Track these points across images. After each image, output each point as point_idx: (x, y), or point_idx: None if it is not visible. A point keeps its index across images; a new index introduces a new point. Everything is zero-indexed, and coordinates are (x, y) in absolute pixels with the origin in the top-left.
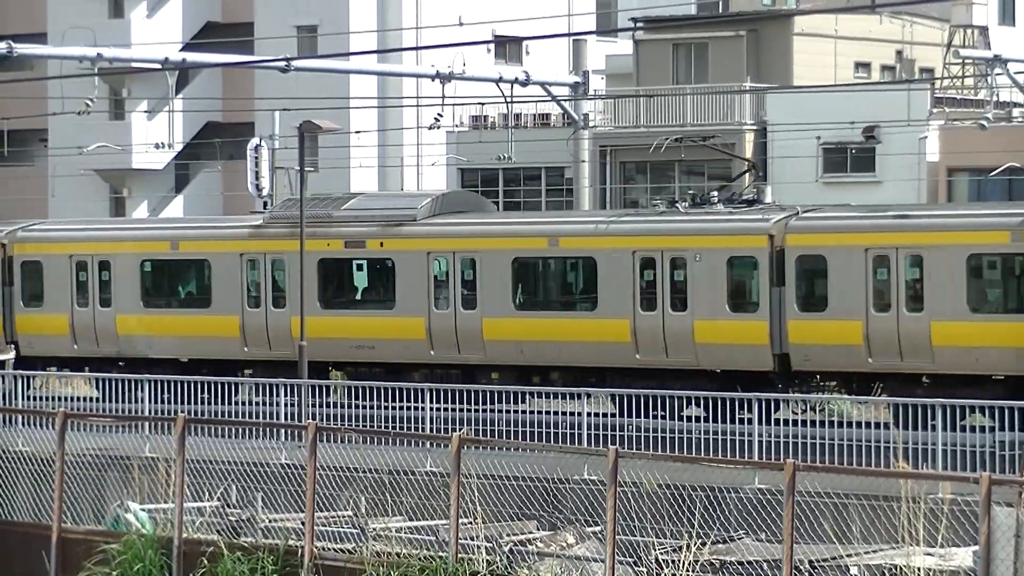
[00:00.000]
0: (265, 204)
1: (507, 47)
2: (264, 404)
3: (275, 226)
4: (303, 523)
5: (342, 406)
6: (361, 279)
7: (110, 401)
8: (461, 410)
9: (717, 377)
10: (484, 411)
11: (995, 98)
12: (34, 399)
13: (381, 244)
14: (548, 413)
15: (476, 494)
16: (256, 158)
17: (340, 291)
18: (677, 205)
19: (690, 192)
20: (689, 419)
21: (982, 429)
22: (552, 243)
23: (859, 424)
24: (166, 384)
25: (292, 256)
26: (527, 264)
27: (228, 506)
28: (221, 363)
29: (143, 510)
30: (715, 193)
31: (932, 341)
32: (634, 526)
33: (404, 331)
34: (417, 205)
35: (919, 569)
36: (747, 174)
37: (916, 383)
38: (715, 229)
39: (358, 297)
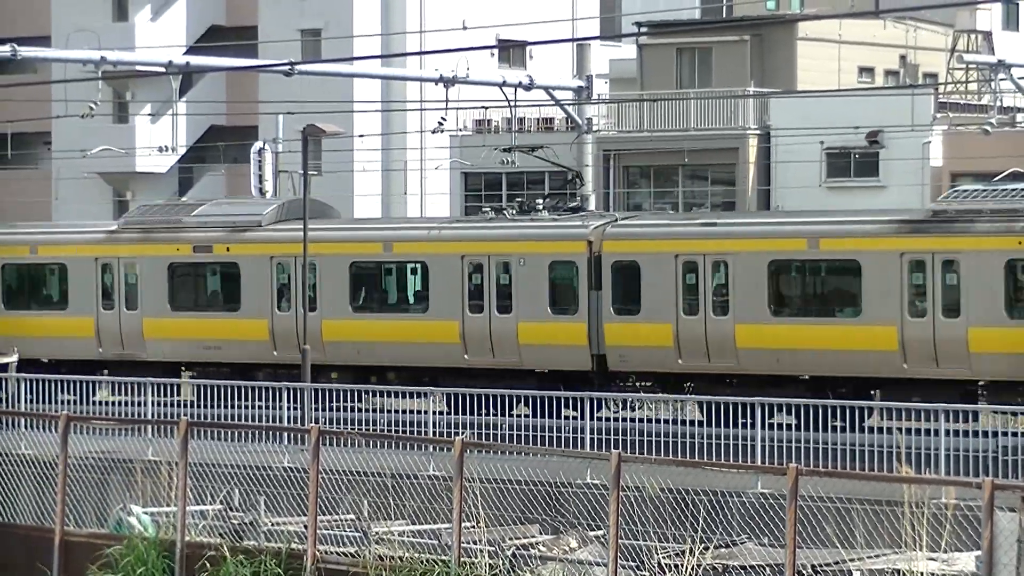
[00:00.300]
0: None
1: (511, 51)
2: (267, 407)
3: (129, 231)
4: (306, 526)
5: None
6: (208, 282)
7: None
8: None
9: (543, 377)
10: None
11: (999, 103)
12: None
13: (227, 249)
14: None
15: (479, 498)
16: (260, 161)
17: (189, 294)
18: (504, 212)
19: (517, 200)
20: (691, 423)
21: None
22: (387, 248)
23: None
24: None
25: (144, 260)
26: (364, 268)
27: (231, 509)
28: (78, 363)
29: (146, 513)
30: (540, 201)
31: (737, 343)
32: (637, 530)
33: (249, 332)
34: (262, 211)
35: (922, 574)
36: (570, 183)
37: (724, 383)
38: (538, 235)
39: (206, 300)
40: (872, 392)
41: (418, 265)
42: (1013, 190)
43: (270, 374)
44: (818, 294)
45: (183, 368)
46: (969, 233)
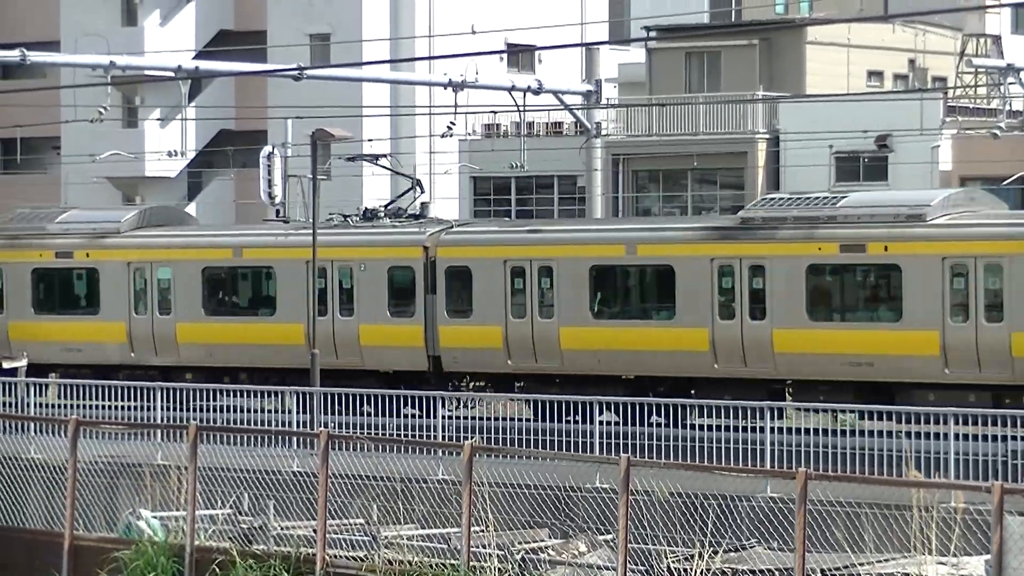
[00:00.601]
0: (278, 212)
1: (520, 56)
2: (276, 412)
3: None
4: (315, 531)
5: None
6: (70, 287)
7: None
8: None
9: (383, 377)
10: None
11: (1008, 107)
12: None
13: (87, 255)
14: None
15: (488, 502)
16: (269, 166)
17: (51, 298)
18: (349, 219)
19: (360, 207)
20: (700, 428)
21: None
22: (237, 253)
23: (699, 427)
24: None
25: (8, 266)
26: (215, 273)
27: (240, 514)
28: None
29: (155, 517)
30: (382, 208)
31: (561, 345)
32: (646, 534)
33: (108, 335)
34: (121, 219)
35: None
36: (411, 191)
37: (551, 383)
38: (378, 241)
39: (67, 303)
40: (692, 392)
41: (267, 270)
42: (816, 198)
43: (128, 375)
44: (636, 298)
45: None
46: (774, 240)
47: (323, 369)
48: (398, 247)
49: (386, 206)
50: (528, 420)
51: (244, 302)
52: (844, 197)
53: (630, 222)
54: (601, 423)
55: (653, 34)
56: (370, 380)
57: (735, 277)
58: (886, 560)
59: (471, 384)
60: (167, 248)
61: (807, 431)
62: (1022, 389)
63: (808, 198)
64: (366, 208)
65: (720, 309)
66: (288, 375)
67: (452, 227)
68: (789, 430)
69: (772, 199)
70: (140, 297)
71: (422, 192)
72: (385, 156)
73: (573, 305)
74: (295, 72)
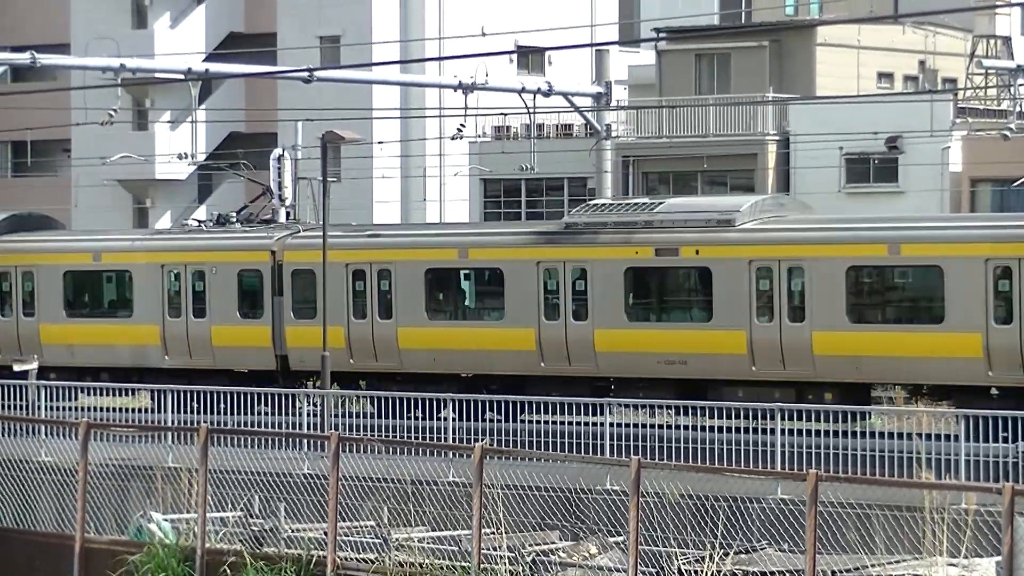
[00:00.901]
0: (288, 215)
1: (530, 58)
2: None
3: None
4: (326, 533)
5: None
6: None
7: None
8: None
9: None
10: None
11: (1018, 108)
12: None
13: None
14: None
15: (499, 504)
16: (279, 168)
17: None
18: (203, 224)
19: (215, 212)
20: (711, 429)
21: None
22: (96, 258)
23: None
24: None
25: None
26: (78, 276)
27: (251, 516)
28: None
29: (166, 520)
30: (234, 213)
31: (399, 344)
32: (657, 536)
33: None
34: None
35: None
36: (262, 197)
37: (391, 380)
38: (228, 246)
39: None
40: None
41: (124, 273)
42: (635, 204)
43: None
44: (469, 299)
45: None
46: (595, 244)
47: (178, 369)
48: (247, 251)
49: (239, 211)
50: (538, 422)
51: (104, 304)
52: (662, 203)
53: (463, 227)
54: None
55: (663, 36)
56: (222, 379)
57: (559, 280)
58: (897, 562)
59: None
60: (31, 253)
61: (817, 433)
62: (823, 386)
63: (628, 204)
64: (219, 214)
65: (545, 310)
66: (146, 375)
67: (299, 232)
68: (800, 432)
69: (596, 205)
70: (5, 300)
71: (272, 199)
72: (241, 163)
73: (410, 307)
74: (305, 74)
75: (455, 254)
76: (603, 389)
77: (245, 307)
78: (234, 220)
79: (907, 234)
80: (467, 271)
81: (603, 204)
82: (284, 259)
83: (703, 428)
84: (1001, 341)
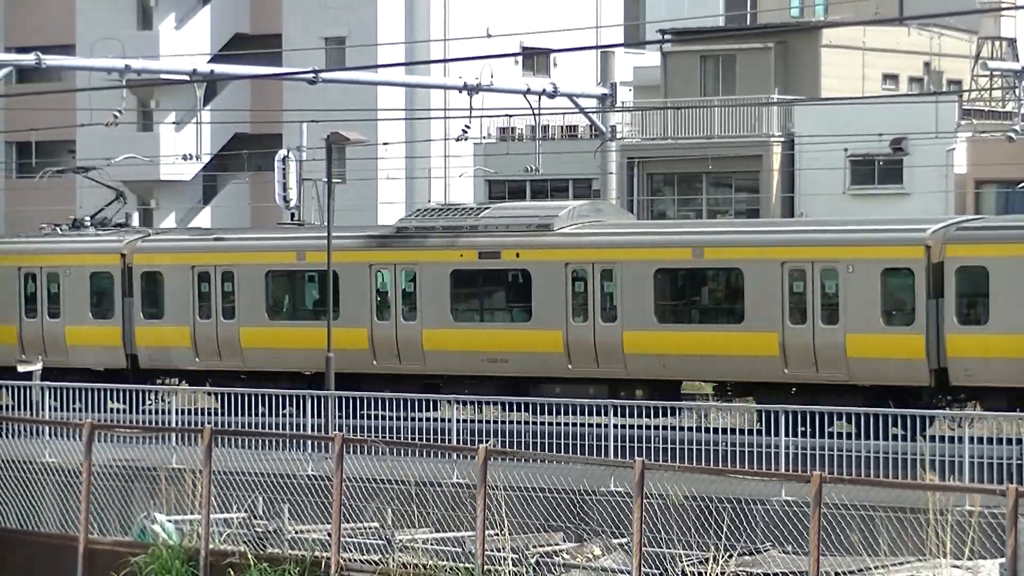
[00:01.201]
0: (292, 215)
1: (535, 59)
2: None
3: None
4: (330, 534)
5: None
6: None
7: None
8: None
9: (87, 372)
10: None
11: (1023, 110)
12: None
13: None
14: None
15: (502, 505)
16: (284, 169)
17: None
18: (58, 228)
19: (70, 217)
20: (716, 431)
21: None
22: None
23: (697, 429)
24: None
25: None
26: None
27: (255, 517)
28: None
29: (170, 521)
30: (88, 218)
31: (242, 343)
32: (660, 538)
33: None
34: None
35: None
36: (115, 202)
37: (235, 378)
38: (81, 249)
39: None
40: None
41: None
42: (462, 209)
43: None
44: (307, 300)
45: None
46: (424, 247)
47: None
48: (98, 254)
49: (92, 216)
50: (540, 423)
51: None
52: (487, 208)
53: (303, 231)
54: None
55: (668, 37)
56: (76, 376)
57: (390, 281)
58: (901, 563)
59: (166, 380)
60: None
61: (804, 434)
62: (634, 383)
63: (456, 209)
64: (74, 219)
65: (378, 311)
66: (3, 374)
67: (148, 235)
68: (804, 433)
69: (426, 210)
70: None
71: (125, 203)
72: (94, 168)
73: (252, 308)
74: (310, 75)
75: (294, 257)
76: (433, 387)
77: (97, 308)
78: (87, 224)
79: (710, 238)
80: (306, 273)
81: (433, 209)
82: (134, 262)
83: (701, 429)
84: (795, 340)
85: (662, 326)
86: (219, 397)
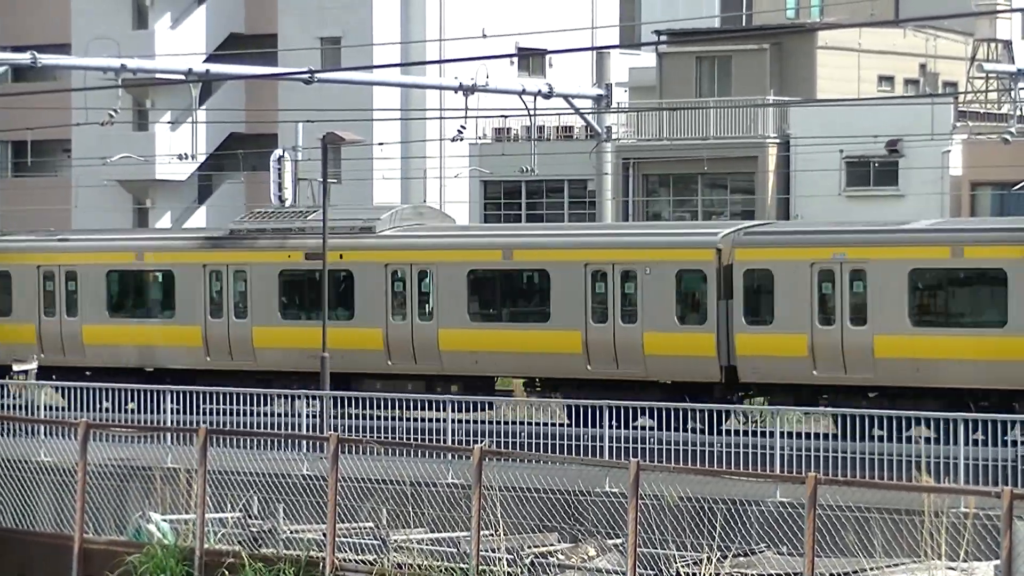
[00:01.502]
0: None
1: (530, 60)
2: (287, 415)
3: None
4: (325, 534)
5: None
6: None
7: None
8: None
9: None
10: None
11: (1019, 112)
12: None
13: None
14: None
15: (497, 506)
16: (279, 169)
17: None
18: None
19: None
20: (718, 432)
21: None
22: None
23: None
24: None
25: None
26: None
27: (250, 517)
28: None
29: (165, 520)
30: None
31: (84, 340)
32: (655, 539)
33: None
34: None
35: None
36: None
37: (78, 373)
38: None
39: None
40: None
41: None
42: (291, 212)
43: None
44: (147, 299)
45: None
46: (254, 248)
47: None
48: None
49: None
50: (549, 425)
51: None
52: (314, 211)
53: (140, 232)
54: (797, 436)
55: (664, 38)
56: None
57: (223, 282)
58: (896, 565)
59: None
60: None
61: (816, 436)
62: (450, 379)
63: (285, 212)
64: None
65: (211, 310)
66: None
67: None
68: (799, 435)
69: (259, 212)
70: None
71: None
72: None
73: (94, 305)
74: (306, 75)
75: (133, 257)
76: (264, 383)
77: None
78: None
79: (519, 241)
80: (144, 273)
81: (265, 212)
82: None
83: (695, 430)
84: (597, 338)
85: (475, 325)
86: (64, 392)
